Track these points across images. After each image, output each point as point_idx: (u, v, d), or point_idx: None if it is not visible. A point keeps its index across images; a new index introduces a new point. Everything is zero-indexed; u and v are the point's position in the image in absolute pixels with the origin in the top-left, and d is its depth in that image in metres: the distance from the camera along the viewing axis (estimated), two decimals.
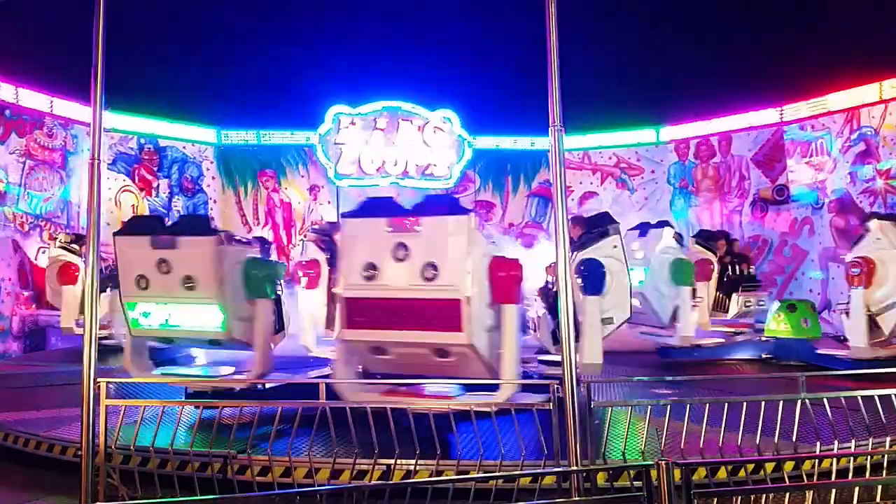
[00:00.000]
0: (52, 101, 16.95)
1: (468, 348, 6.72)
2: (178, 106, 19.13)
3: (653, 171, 20.87)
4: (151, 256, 7.64)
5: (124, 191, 18.79)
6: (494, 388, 6.78)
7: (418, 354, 6.98)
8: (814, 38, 16.46)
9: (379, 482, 5.54)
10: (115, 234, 8.05)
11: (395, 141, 20.99)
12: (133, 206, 18.86)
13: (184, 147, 20.13)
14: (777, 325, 11.78)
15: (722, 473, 5.60)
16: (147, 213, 18.72)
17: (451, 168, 21.24)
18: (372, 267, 6.89)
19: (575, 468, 4.92)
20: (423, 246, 6.76)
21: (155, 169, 19.48)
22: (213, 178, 20.63)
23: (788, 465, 5.58)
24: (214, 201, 20.55)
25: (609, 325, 8.25)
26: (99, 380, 5.52)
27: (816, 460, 5.65)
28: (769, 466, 5.50)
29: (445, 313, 6.60)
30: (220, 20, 18.53)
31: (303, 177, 21.12)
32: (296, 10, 18.45)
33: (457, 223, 6.74)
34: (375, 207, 7.28)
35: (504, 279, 6.94)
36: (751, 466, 5.48)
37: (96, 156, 5.72)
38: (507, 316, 6.96)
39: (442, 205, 7.03)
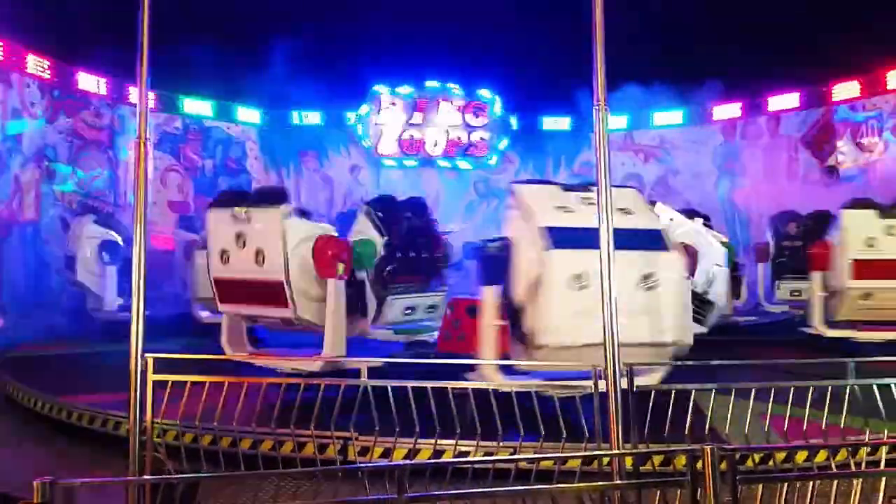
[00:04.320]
0: (99, 82, 17.23)
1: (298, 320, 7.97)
2: (222, 87, 19.30)
3: (698, 152, 20.53)
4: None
5: (170, 170, 19.07)
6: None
7: (278, 324, 8.39)
8: (862, 17, 15.97)
9: (419, 461, 5.57)
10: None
11: (436, 121, 20.94)
12: (178, 185, 19.15)
13: (228, 127, 20.33)
14: None
15: (766, 459, 5.52)
16: (192, 192, 19.04)
17: (491, 148, 21.14)
18: (224, 252, 8.21)
19: (617, 451, 4.88)
20: (254, 234, 8.02)
21: (200, 149, 19.73)
22: (256, 158, 20.83)
23: (826, 453, 5.47)
24: (258, 181, 20.75)
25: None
26: (147, 355, 5.62)
27: (863, 448, 5.53)
28: (815, 454, 5.41)
29: (274, 291, 7.85)
30: (264, 2, 18.62)
31: (344, 157, 21.20)
32: None
33: (275, 213, 7.90)
34: (225, 200, 8.50)
35: (324, 257, 7.87)
36: (799, 454, 5.38)
37: (143, 135, 5.78)
38: (329, 289, 7.91)
39: (266, 196, 8.33)
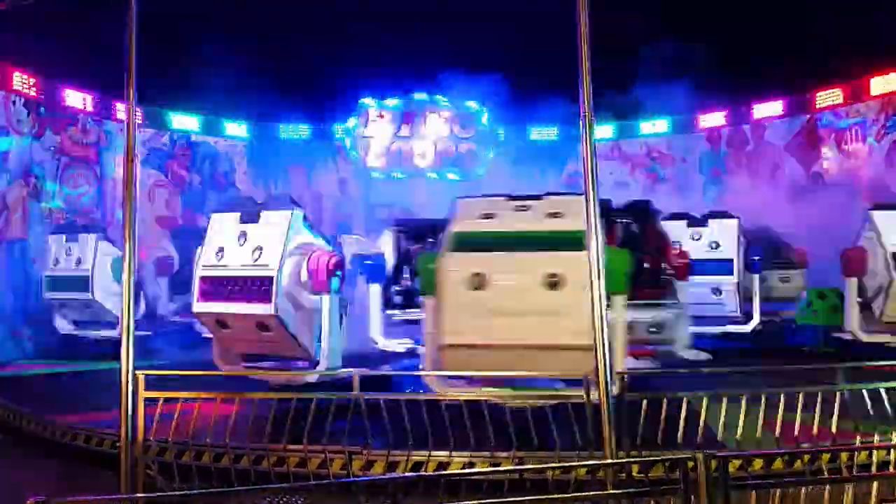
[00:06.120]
0: (85, 98, 17.19)
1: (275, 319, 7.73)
2: (210, 102, 19.29)
3: (684, 160, 20.65)
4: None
5: (158, 186, 19.02)
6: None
7: (246, 335, 8.16)
8: (846, 24, 16.15)
9: (412, 474, 5.56)
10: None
11: (424, 133, 20.99)
12: (166, 200, 19.10)
13: (215, 142, 20.31)
14: (808, 313, 11.93)
15: (758, 465, 5.54)
16: (180, 208, 19.01)
17: (480, 159, 21.19)
18: (221, 250, 8.22)
19: (609, 460, 4.89)
20: (258, 233, 8.07)
21: (187, 164, 19.69)
22: (245, 172, 20.80)
23: (825, 458, 5.49)
24: (246, 196, 20.69)
25: None
26: (137, 372, 5.59)
27: (856, 452, 5.55)
28: (807, 459, 5.43)
29: (260, 287, 7.80)
30: (250, 16, 18.64)
31: (332, 170, 21.21)
32: (322, 5, 18.48)
33: (286, 214, 8.03)
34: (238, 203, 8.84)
35: (317, 271, 7.86)
36: (791, 459, 5.40)
37: (130, 151, 5.78)
38: (323, 304, 7.92)
39: (280, 202, 8.45)
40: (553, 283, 6.20)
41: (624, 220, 8.90)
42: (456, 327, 6.57)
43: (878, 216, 11.14)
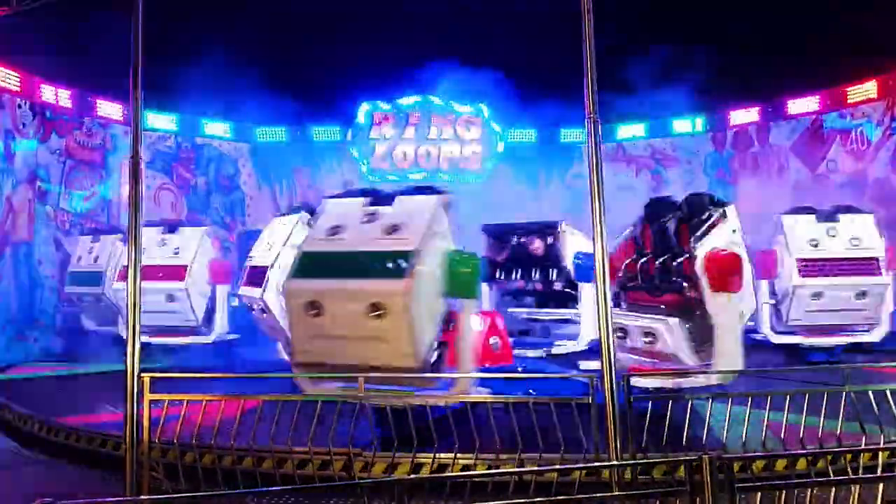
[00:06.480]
0: (91, 101, 17.24)
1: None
2: (215, 104, 19.32)
3: (689, 162, 20.62)
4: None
5: (163, 188, 19.06)
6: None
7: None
8: (850, 25, 16.11)
9: (419, 476, 5.56)
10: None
11: (428, 135, 21.01)
12: (171, 203, 19.15)
13: (220, 145, 20.35)
14: None
15: (763, 466, 5.53)
16: (185, 210, 19.05)
17: (484, 161, 21.20)
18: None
19: (614, 462, 4.89)
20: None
21: (192, 167, 19.73)
22: (249, 175, 20.83)
23: (830, 459, 5.48)
24: (251, 198, 20.74)
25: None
26: (143, 374, 5.61)
27: (861, 454, 5.54)
28: (812, 461, 5.41)
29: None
30: (255, 17, 18.67)
31: (337, 173, 21.23)
32: (327, 6, 18.51)
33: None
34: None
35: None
36: (799, 461, 5.39)
37: (136, 153, 5.80)
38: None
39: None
40: (377, 312, 6.40)
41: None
42: (303, 347, 6.88)
43: (788, 220, 11.35)
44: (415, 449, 5.67)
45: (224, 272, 12.86)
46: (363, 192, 7.66)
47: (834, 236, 11.11)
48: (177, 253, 12.47)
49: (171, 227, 13.09)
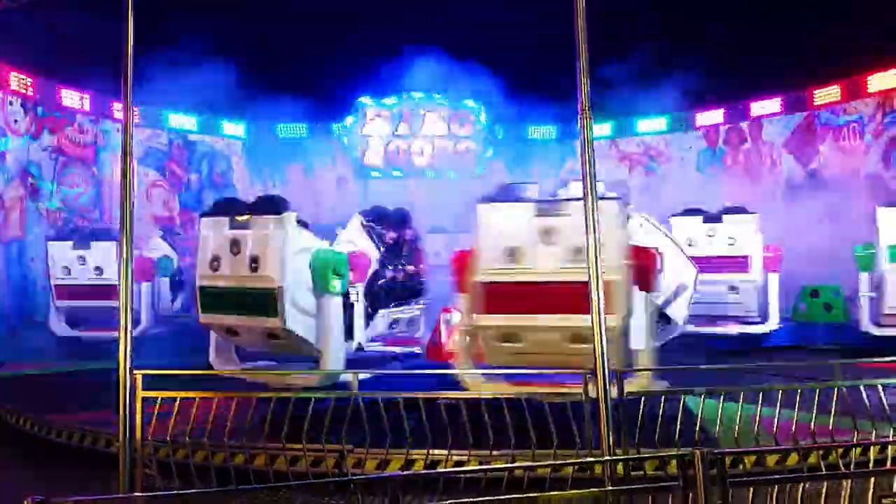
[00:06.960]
0: (82, 98, 17.17)
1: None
2: (207, 101, 19.25)
3: (682, 159, 20.65)
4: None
5: (155, 185, 19.00)
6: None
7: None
8: (843, 21, 16.14)
9: (412, 472, 5.55)
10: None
11: (422, 131, 20.99)
12: (164, 200, 19.09)
13: (213, 142, 20.29)
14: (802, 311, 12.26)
15: (755, 461, 5.54)
16: (178, 207, 18.98)
17: (478, 157, 21.19)
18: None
19: (608, 458, 4.89)
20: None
21: (185, 164, 19.67)
22: (242, 171, 20.78)
23: (816, 455, 5.48)
24: (244, 195, 20.65)
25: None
26: (135, 371, 5.58)
27: (853, 449, 5.56)
28: (804, 455, 5.43)
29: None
30: (248, 14, 18.62)
31: (330, 169, 21.20)
32: (321, 3, 18.47)
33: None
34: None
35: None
36: (791, 456, 5.40)
37: (127, 150, 5.76)
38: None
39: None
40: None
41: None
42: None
43: (675, 221, 12.16)
44: (409, 446, 5.67)
45: None
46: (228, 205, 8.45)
47: (712, 236, 12.20)
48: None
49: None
